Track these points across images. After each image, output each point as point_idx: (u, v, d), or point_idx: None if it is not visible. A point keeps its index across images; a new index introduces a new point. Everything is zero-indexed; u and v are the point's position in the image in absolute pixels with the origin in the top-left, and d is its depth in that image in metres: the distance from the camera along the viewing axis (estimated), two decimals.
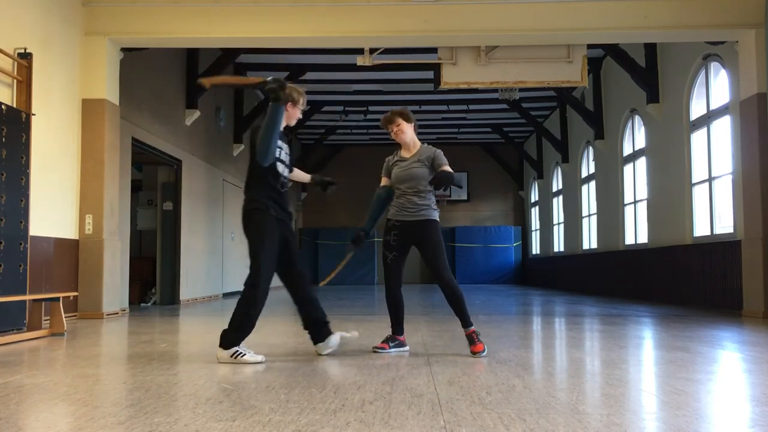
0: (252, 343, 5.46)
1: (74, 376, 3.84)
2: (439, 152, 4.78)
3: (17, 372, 4.08)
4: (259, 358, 4.33)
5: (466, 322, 4.68)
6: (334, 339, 4.60)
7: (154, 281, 11.42)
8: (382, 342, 4.91)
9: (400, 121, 4.82)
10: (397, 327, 4.91)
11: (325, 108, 17.64)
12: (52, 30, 7.62)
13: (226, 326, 4.37)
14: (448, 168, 4.66)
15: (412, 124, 4.87)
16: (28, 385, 3.58)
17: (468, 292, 15.39)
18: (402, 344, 4.90)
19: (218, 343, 4.34)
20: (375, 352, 4.80)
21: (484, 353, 4.58)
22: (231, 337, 4.32)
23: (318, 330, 4.60)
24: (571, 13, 8.55)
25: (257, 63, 14.14)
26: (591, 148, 15.41)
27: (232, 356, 4.27)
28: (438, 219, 4.87)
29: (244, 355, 4.29)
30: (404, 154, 4.89)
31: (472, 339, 4.65)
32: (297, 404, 3.02)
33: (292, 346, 5.31)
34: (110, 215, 8.48)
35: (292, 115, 4.58)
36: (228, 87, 13.47)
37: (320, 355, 4.58)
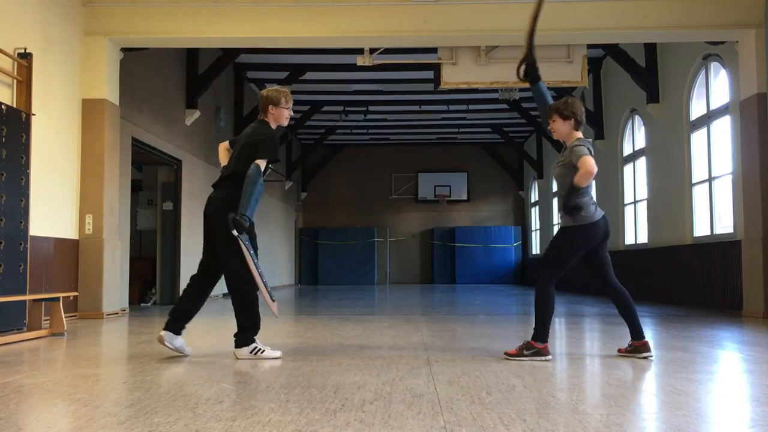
0: None
1: (74, 376, 3.84)
2: (576, 148, 4.36)
3: (17, 372, 4.08)
4: (278, 353, 4.54)
5: (534, 333, 4.47)
6: (180, 341, 4.57)
7: (154, 281, 11.42)
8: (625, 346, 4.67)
9: (555, 117, 4.53)
10: (630, 331, 4.57)
11: (325, 108, 17.63)
12: (52, 30, 7.62)
13: (234, 329, 4.54)
14: (580, 168, 4.30)
15: (570, 121, 4.50)
16: (28, 385, 3.58)
17: (468, 292, 15.40)
18: (639, 349, 4.52)
19: (235, 345, 4.49)
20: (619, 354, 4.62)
21: (513, 358, 4.40)
22: (248, 336, 4.48)
23: (179, 322, 4.57)
24: (571, 13, 8.55)
25: (257, 63, 14.14)
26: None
27: (252, 352, 4.44)
28: (577, 224, 4.42)
29: (264, 350, 4.47)
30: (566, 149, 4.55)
31: (521, 345, 4.48)
32: (297, 404, 3.02)
33: (292, 346, 5.31)
34: (110, 215, 8.48)
35: (279, 116, 4.65)
36: None
37: (162, 343, 4.51)
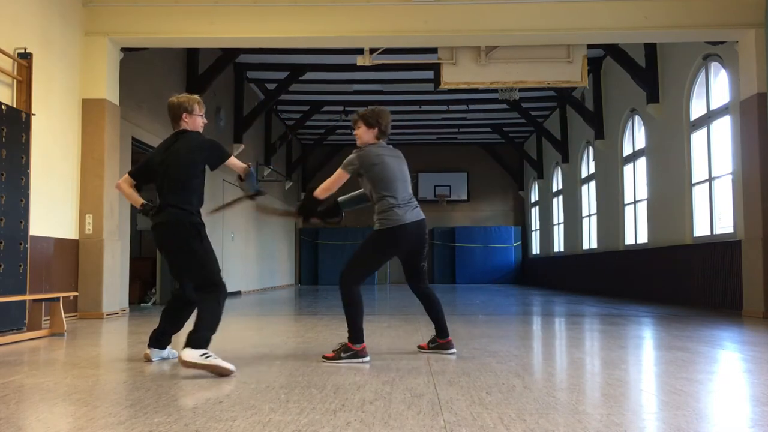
0: (252, 343, 5.48)
1: (74, 376, 3.84)
2: (349, 157, 4.53)
3: (17, 372, 4.08)
4: (231, 366, 3.85)
5: (348, 334, 4.43)
6: (167, 350, 4.44)
7: (154, 281, 11.41)
8: (426, 342, 4.89)
9: (360, 124, 4.59)
10: (436, 328, 4.75)
11: (325, 108, 17.64)
12: (52, 30, 7.62)
13: (199, 329, 4.01)
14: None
15: (375, 129, 4.55)
16: (28, 385, 3.58)
17: (468, 292, 15.40)
18: (443, 346, 4.72)
19: (185, 344, 3.86)
20: (419, 351, 4.81)
21: (328, 361, 4.32)
22: (204, 337, 3.93)
23: (163, 338, 4.42)
24: (571, 13, 8.55)
25: (257, 63, 14.15)
26: (591, 148, 15.41)
27: (202, 356, 3.83)
28: (383, 227, 4.44)
29: (215, 357, 3.86)
30: None
31: (341, 347, 4.42)
32: (297, 404, 3.02)
33: (292, 346, 5.31)
34: (110, 215, 8.48)
35: (194, 125, 4.42)
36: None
37: (149, 360, 4.35)
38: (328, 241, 22.80)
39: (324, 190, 4.57)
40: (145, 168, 4.41)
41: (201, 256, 4.18)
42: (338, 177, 4.52)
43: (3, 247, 6.12)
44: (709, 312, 8.79)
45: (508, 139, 21.16)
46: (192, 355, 3.78)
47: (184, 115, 4.37)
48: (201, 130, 4.48)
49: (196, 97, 4.48)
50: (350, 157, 4.54)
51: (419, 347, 4.89)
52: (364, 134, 4.60)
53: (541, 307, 10.38)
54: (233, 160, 4.46)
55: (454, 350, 4.71)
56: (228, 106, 14.53)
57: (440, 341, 4.74)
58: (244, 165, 4.54)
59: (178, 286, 4.50)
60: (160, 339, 4.42)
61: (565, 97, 15.33)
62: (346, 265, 4.53)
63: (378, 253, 4.58)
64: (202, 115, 4.46)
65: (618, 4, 8.50)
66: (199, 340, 3.87)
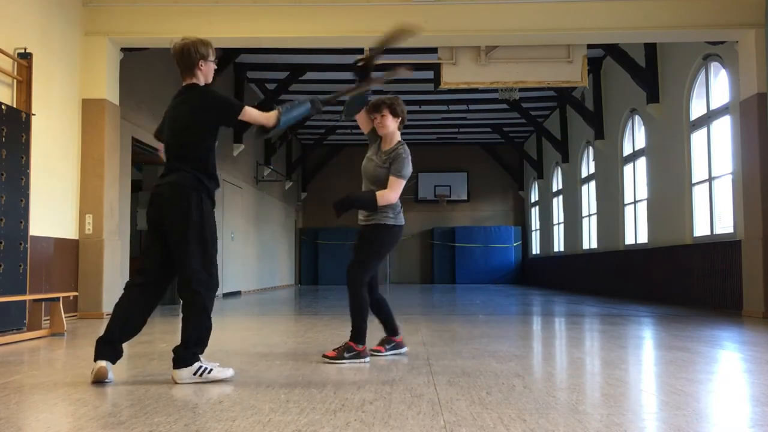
0: (252, 343, 5.48)
1: (74, 376, 3.84)
2: (400, 155, 4.51)
3: (17, 372, 4.08)
4: (230, 372, 3.67)
5: (351, 334, 4.35)
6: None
7: None
8: (378, 344, 4.64)
9: (386, 111, 4.62)
10: (387, 328, 4.68)
11: (325, 108, 17.61)
12: (52, 30, 7.62)
13: (187, 339, 3.60)
14: (394, 176, 4.45)
15: (399, 119, 4.66)
16: (28, 385, 3.58)
17: (468, 292, 15.39)
18: (399, 345, 4.68)
19: (174, 365, 3.57)
20: (372, 354, 4.53)
21: (330, 361, 4.26)
22: (192, 353, 3.59)
23: (120, 345, 3.68)
24: (571, 13, 8.55)
25: (257, 63, 14.15)
26: (591, 148, 15.41)
27: (196, 374, 3.54)
28: (393, 224, 4.53)
29: (211, 370, 3.58)
30: (383, 146, 4.68)
31: (343, 347, 4.33)
32: (297, 404, 3.02)
33: (292, 346, 5.31)
34: (110, 215, 8.48)
35: (209, 73, 3.92)
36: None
37: (104, 379, 3.54)
38: (328, 241, 22.79)
39: (384, 198, 4.50)
40: (163, 126, 4.02)
41: (200, 232, 3.61)
42: (401, 186, 4.54)
43: (3, 247, 6.12)
44: (709, 312, 8.79)
45: (508, 139, 21.16)
46: (184, 376, 3.53)
47: (200, 62, 3.85)
48: (211, 79, 3.94)
49: (206, 39, 3.92)
50: (402, 163, 4.49)
51: (372, 350, 4.56)
52: (391, 123, 4.64)
53: (541, 307, 10.38)
54: (251, 114, 3.79)
55: (406, 348, 4.71)
56: None
57: (396, 340, 4.66)
58: (269, 115, 3.83)
59: (145, 266, 3.81)
60: (117, 347, 3.65)
61: (565, 97, 15.32)
62: (359, 263, 4.40)
63: (389, 248, 4.60)
64: (214, 61, 3.92)
65: (618, 4, 8.50)
66: (187, 358, 3.56)
